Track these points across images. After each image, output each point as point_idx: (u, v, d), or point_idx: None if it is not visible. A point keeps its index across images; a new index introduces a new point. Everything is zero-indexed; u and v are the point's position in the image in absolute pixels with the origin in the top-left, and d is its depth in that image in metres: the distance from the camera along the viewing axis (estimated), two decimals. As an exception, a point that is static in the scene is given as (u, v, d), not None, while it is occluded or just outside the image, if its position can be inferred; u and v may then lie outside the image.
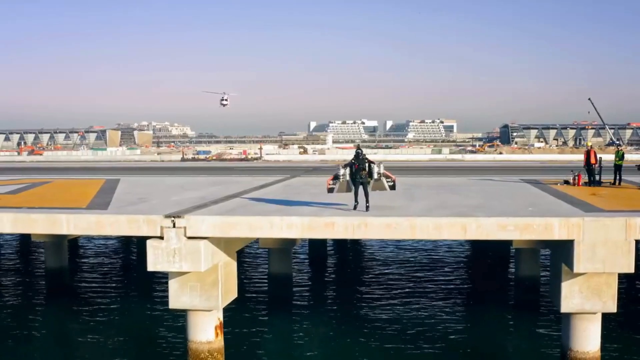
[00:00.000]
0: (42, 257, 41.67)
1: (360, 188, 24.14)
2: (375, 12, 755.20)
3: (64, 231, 23.14)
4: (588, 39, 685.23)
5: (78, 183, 38.14)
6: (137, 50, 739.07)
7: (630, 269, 19.96)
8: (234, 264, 24.03)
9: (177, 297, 22.45)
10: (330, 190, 25.54)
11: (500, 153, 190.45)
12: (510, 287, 34.49)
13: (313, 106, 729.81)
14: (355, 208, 23.78)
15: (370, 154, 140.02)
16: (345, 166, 25.58)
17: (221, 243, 22.34)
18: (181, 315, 26.08)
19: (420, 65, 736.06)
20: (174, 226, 21.25)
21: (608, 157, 35.55)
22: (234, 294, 24.09)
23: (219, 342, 23.29)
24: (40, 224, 23.28)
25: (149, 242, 21.54)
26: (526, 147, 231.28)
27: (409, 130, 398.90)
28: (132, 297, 35.39)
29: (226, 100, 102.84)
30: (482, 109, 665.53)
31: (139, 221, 22.08)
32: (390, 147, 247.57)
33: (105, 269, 42.30)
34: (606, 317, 22.25)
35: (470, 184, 34.76)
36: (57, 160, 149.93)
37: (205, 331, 22.98)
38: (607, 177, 32.71)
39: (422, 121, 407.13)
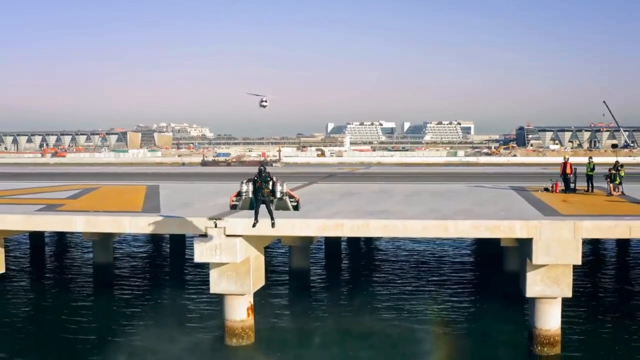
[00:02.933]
0: (75, 253, 47.79)
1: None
2: (394, 12, 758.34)
3: (126, 230, 28.79)
4: (604, 40, 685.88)
5: (123, 189, 43.47)
6: (152, 50, 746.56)
7: (577, 261, 25.15)
8: (262, 258, 29.44)
9: (217, 284, 27.77)
10: (233, 207, 26.66)
11: (515, 155, 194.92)
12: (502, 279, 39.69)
13: (331, 107, 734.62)
14: (254, 226, 25.11)
15: (386, 156, 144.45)
16: (247, 182, 26.43)
17: (252, 240, 27.61)
18: (214, 300, 32.13)
19: (438, 66, 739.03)
20: (215, 226, 26.59)
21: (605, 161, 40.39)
22: (262, 282, 29.47)
23: (250, 321, 28.61)
24: (107, 224, 28.92)
25: (195, 239, 26.89)
26: (540, 150, 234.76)
27: (426, 131, 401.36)
28: (170, 286, 40.92)
29: (266, 102, 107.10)
30: (499, 110, 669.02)
31: (188, 222, 27.56)
32: (407, 149, 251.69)
33: (142, 262, 48.00)
34: (565, 302, 27.32)
35: (465, 192, 39.88)
36: (82, 162, 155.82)
37: (239, 312, 28.30)
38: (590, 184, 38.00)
39: (440, 123, 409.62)
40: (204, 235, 26.78)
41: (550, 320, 26.82)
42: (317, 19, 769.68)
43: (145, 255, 50.88)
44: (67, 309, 35.50)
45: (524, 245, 27.00)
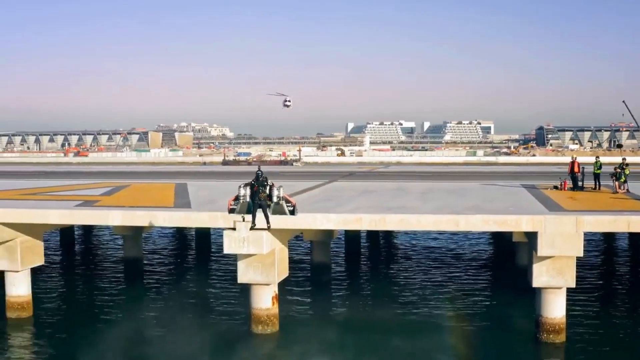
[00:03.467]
0: (103, 248, 50.24)
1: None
2: (413, 10, 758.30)
3: (159, 224, 31.04)
4: (625, 39, 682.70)
5: (153, 187, 45.76)
6: (172, 49, 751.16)
7: (580, 253, 27.03)
8: (286, 250, 31.51)
9: (244, 274, 29.85)
10: (232, 211, 28.22)
11: (534, 155, 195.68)
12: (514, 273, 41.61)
13: (351, 107, 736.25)
14: (251, 229, 26.71)
15: (405, 156, 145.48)
16: (245, 186, 27.89)
17: (277, 233, 29.63)
18: (238, 291, 34.69)
19: (459, 65, 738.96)
20: (243, 220, 28.66)
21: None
22: (286, 273, 31.53)
23: (275, 309, 30.62)
24: (142, 218, 31.20)
25: (225, 232, 28.94)
26: (560, 150, 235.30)
27: (446, 131, 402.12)
28: (197, 278, 43.32)
29: (289, 101, 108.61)
30: (519, 110, 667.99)
31: (218, 217, 29.72)
32: (426, 149, 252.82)
33: (170, 257, 50.40)
34: (570, 291, 29.22)
35: (477, 189, 41.86)
36: (105, 161, 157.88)
37: (265, 300, 30.30)
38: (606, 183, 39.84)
39: (460, 122, 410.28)
40: (233, 229, 28.85)
41: (555, 309, 28.62)
42: (337, 18, 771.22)
43: (172, 250, 53.27)
44: (99, 298, 37.88)
45: (531, 239, 28.91)
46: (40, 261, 34.84)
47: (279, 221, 28.82)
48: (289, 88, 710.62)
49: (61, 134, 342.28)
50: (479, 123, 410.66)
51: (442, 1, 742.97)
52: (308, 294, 38.35)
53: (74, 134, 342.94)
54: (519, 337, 30.08)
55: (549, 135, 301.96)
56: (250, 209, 27.56)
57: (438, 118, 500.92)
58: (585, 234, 28.26)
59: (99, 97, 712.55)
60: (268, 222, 27.29)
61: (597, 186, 39.01)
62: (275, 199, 28.18)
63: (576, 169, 38.94)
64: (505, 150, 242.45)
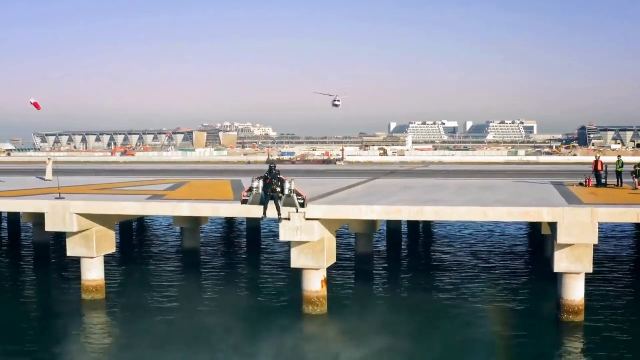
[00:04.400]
0: (160, 239, 54.53)
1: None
2: (455, 10, 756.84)
3: (222, 215, 35.41)
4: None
5: (211, 183, 49.63)
6: (217, 49, 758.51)
7: (594, 240, 30.43)
8: (334, 239, 35.35)
9: (297, 260, 33.62)
10: (244, 202, 30.05)
11: (574, 155, 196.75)
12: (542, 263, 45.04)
13: (393, 106, 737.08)
14: (262, 219, 28.76)
15: (447, 155, 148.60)
16: (258, 179, 29.63)
17: (326, 223, 33.37)
18: (288, 277, 38.79)
19: (502, 64, 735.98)
20: (297, 211, 32.41)
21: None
22: (333, 259, 35.37)
23: (324, 291, 34.37)
24: (207, 209, 35.43)
25: (281, 222, 32.67)
26: (601, 149, 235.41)
27: (488, 130, 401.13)
28: (250, 264, 47.83)
29: (338, 101, 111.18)
30: (563, 109, 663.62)
31: (273, 208, 33.50)
32: (468, 149, 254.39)
33: (224, 247, 54.93)
34: (589, 276, 32.64)
35: (508, 185, 45.25)
36: (151, 160, 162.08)
37: (314, 283, 34.04)
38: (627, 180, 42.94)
39: (502, 122, 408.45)
40: (287, 219, 32.70)
41: (575, 292, 32.04)
42: (381, 17, 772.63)
43: (225, 241, 57.90)
44: (162, 284, 41.89)
45: (552, 229, 32.41)
46: (112, 249, 38.86)
47: (328, 212, 32.68)
48: (333, 88, 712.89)
49: (107, 134, 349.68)
50: (522, 122, 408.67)
51: (485, 3, 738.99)
52: (353, 280, 42.27)
53: (120, 134, 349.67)
54: (543, 317, 33.56)
55: (591, 135, 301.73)
56: (263, 201, 29.58)
57: (481, 117, 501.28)
58: (615, 225, 31.64)
59: (142, 97, 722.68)
60: (279, 213, 29.41)
61: (619, 183, 42.26)
62: (286, 192, 30.59)
63: (599, 167, 42.37)
64: (547, 149, 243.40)
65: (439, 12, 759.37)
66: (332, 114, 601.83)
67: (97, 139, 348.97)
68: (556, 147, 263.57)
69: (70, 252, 37.30)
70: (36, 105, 39.37)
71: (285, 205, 30.82)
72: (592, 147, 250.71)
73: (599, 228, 31.09)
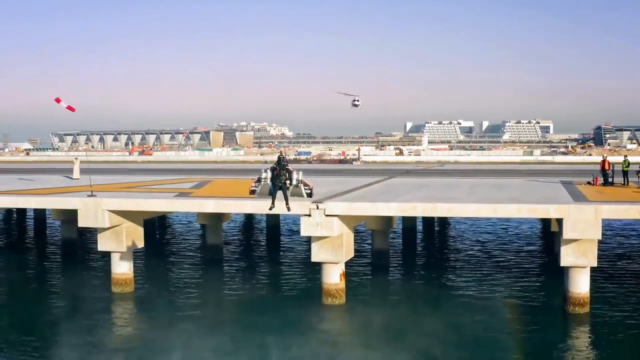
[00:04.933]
0: (182, 236, 56.98)
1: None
2: (471, 8, 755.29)
3: (247, 211, 37.69)
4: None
5: (233, 182, 51.74)
6: (233, 50, 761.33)
7: (598, 236, 32.16)
8: (352, 235, 37.26)
9: (317, 254, 35.38)
10: (252, 192, 30.76)
11: (590, 155, 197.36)
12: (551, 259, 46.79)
13: (410, 106, 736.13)
14: (270, 210, 28.24)
15: (463, 155, 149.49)
16: (267, 170, 30.01)
17: (345, 219, 35.16)
18: (308, 272, 40.83)
19: (518, 64, 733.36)
20: (317, 208, 34.20)
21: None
22: (351, 254, 37.24)
23: (342, 284, 36.15)
24: (232, 206, 37.57)
25: (302, 218, 34.59)
26: (617, 149, 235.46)
27: (504, 130, 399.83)
28: (271, 259, 49.70)
29: (358, 101, 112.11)
30: (579, 110, 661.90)
31: (296, 205, 34.78)
32: (484, 149, 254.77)
33: (246, 243, 57.06)
34: (594, 270, 34.34)
35: (519, 184, 47.12)
36: (169, 160, 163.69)
37: (334, 276, 35.79)
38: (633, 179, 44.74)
39: (518, 122, 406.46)
40: (308, 215, 34.61)
41: (580, 285, 33.68)
42: (398, 16, 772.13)
43: (246, 238, 60.08)
44: (187, 279, 43.63)
45: (559, 226, 34.20)
46: (140, 244, 40.63)
47: (347, 209, 34.61)
48: (350, 87, 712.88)
49: (124, 134, 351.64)
50: (538, 122, 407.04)
51: (503, 3, 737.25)
52: (370, 274, 44.09)
53: (137, 134, 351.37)
54: (550, 309, 35.25)
55: (607, 135, 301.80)
56: (271, 192, 29.96)
57: (497, 117, 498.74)
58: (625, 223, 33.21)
59: (159, 97, 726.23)
60: (287, 204, 29.77)
61: (626, 182, 43.99)
62: (294, 182, 31.57)
63: (606, 167, 44.21)
64: (562, 149, 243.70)
65: (456, 12, 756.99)
66: (348, 114, 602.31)
67: (115, 139, 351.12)
68: (572, 147, 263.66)
69: (101, 247, 39.13)
70: (70, 108, 41.25)
71: (292, 195, 31.58)
72: (608, 147, 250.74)
73: (612, 226, 32.80)
